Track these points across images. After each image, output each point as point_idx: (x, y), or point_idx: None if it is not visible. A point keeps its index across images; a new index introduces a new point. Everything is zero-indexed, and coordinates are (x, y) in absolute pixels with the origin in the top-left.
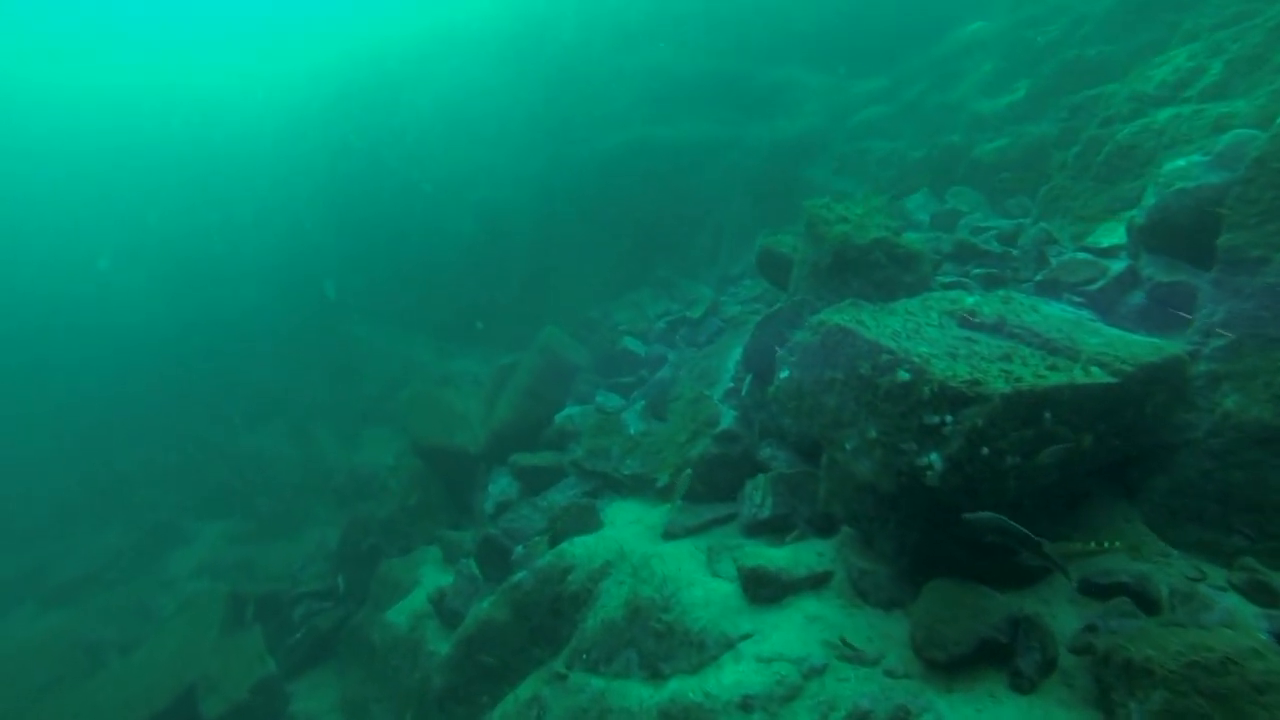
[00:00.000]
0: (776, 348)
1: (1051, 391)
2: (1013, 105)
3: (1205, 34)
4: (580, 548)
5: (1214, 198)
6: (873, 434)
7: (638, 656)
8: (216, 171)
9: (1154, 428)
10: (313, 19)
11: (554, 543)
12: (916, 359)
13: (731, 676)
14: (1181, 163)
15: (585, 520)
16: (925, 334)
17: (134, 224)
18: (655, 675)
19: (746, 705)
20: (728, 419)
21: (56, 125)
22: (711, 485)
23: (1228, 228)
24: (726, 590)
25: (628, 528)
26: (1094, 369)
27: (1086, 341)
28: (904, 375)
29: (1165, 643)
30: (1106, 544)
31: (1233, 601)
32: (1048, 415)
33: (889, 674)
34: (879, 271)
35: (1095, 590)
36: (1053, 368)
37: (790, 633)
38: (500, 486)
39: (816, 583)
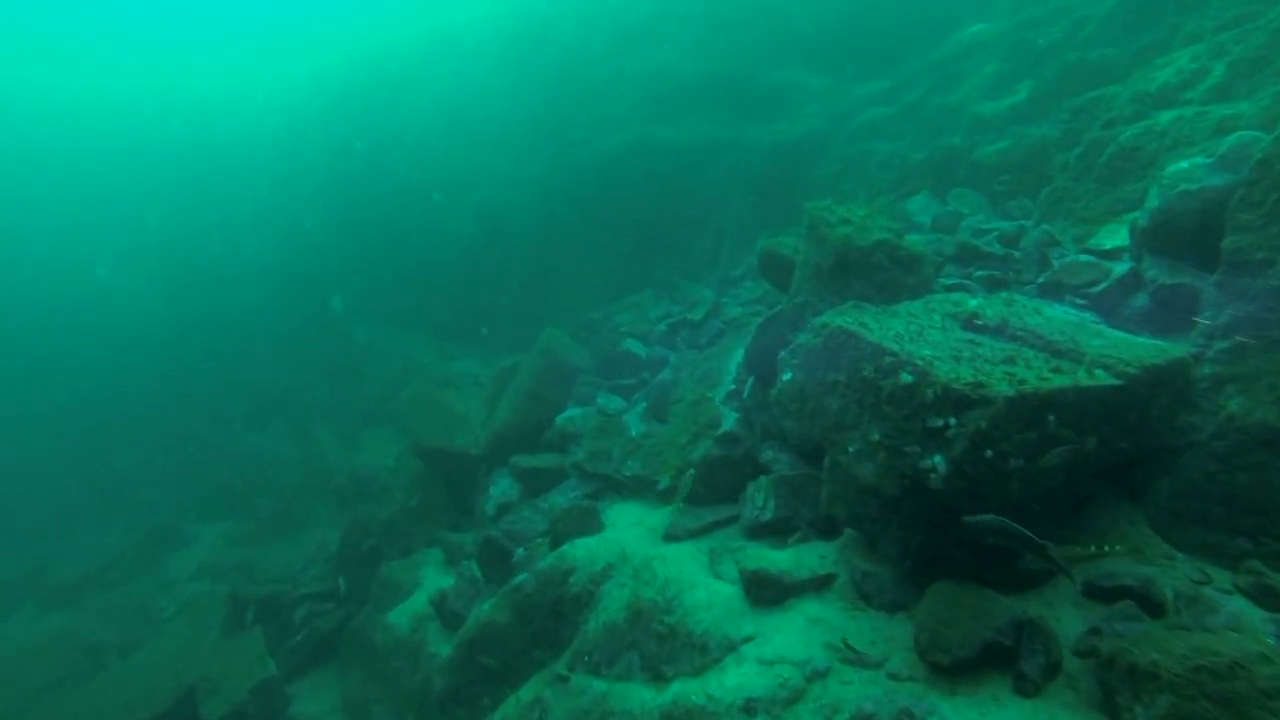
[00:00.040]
0: (778, 350)
1: (1055, 394)
2: (1014, 107)
3: (1208, 36)
4: (582, 550)
5: (1217, 200)
6: (876, 436)
7: (640, 659)
8: (217, 172)
9: (1158, 430)
10: (313, 20)
11: (555, 545)
12: (920, 361)
13: (734, 679)
14: (1184, 165)
15: (587, 522)
16: (928, 336)
17: (134, 225)
18: (657, 677)
19: (749, 708)
20: (729, 421)
21: (57, 127)
22: (713, 487)
23: (1232, 230)
24: (728, 593)
25: (629, 530)
26: (1098, 371)
27: (1090, 344)
28: (907, 378)
29: (1171, 646)
30: (1110, 547)
31: (1239, 605)
32: (1051, 418)
33: (892, 677)
34: (881, 274)
35: (1099, 593)
36: (1056, 370)
37: (793, 635)
38: (501, 488)
39: (819, 585)
